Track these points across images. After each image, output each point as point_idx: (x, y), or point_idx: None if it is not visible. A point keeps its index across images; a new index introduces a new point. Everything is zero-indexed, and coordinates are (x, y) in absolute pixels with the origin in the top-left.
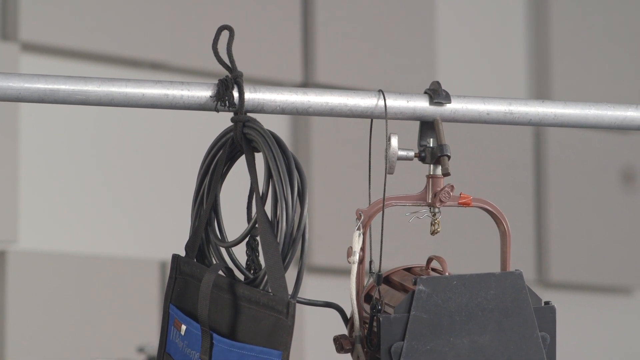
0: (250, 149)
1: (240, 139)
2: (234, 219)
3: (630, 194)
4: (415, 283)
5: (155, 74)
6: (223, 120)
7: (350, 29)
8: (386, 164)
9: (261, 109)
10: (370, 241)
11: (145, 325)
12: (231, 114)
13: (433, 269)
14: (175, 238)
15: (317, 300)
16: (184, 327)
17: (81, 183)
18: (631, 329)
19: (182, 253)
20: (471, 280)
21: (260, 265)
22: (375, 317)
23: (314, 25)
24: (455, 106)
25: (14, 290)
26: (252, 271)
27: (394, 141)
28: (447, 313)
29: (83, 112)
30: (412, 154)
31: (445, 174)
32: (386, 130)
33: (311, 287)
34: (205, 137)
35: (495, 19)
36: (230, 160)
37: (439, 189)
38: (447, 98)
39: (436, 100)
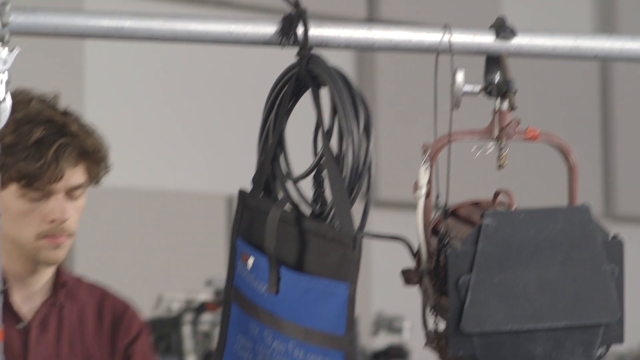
0: (315, 85)
1: (305, 75)
2: (299, 154)
3: None
4: (482, 217)
5: (219, 11)
6: (288, 57)
7: None
8: (452, 99)
9: (325, 44)
10: (437, 175)
11: (213, 258)
12: (296, 50)
13: (500, 203)
14: (241, 173)
15: (384, 234)
16: (251, 261)
17: (148, 120)
18: None
19: (249, 188)
20: (538, 214)
21: (326, 200)
22: (442, 251)
23: None
24: (520, 41)
25: (84, 225)
26: (318, 205)
27: (460, 76)
28: (514, 247)
29: (149, 50)
30: (477, 88)
31: (512, 108)
32: (451, 65)
33: (377, 222)
34: (271, 74)
35: None
36: (295, 96)
37: (505, 123)
38: (513, 33)
39: (502, 35)
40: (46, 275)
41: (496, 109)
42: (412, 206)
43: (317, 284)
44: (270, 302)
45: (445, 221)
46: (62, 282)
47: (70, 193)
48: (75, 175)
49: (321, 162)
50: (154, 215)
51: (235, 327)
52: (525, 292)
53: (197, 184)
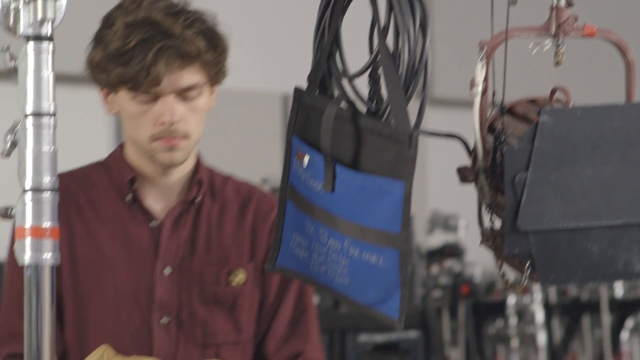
0: None
1: None
2: (355, 51)
3: None
4: (539, 114)
5: None
6: None
7: None
8: None
9: None
10: (493, 72)
11: (268, 157)
12: None
13: (557, 101)
14: (297, 71)
15: (440, 132)
16: (306, 159)
17: None
18: None
19: (305, 86)
20: (595, 112)
21: (382, 97)
22: (498, 148)
23: None
24: None
25: None
26: (374, 103)
27: None
28: (571, 144)
29: None
30: None
31: (569, 4)
32: None
33: (433, 119)
34: None
35: None
36: None
37: (562, 20)
38: None
39: None
40: (178, 174)
41: (553, 6)
42: (469, 104)
43: (373, 181)
44: (325, 200)
45: (501, 118)
46: (199, 180)
47: (183, 95)
48: (185, 77)
49: (377, 59)
50: (210, 114)
51: (291, 225)
52: (581, 190)
53: (252, 83)
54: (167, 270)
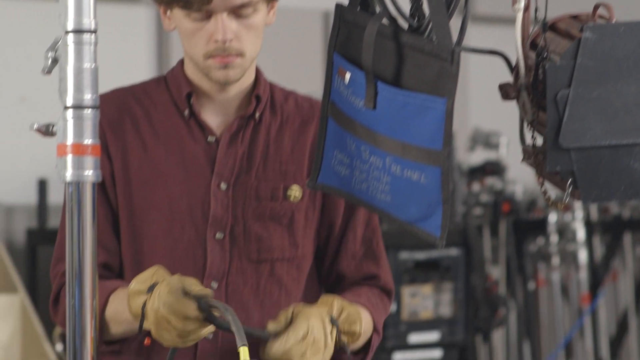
0: None
1: None
2: None
3: None
4: (581, 30)
5: None
6: None
7: None
8: None
9: None
10: None
11: (310, 74)
12: None
13: (600, 17)
14: None
15: (482, 48)
16: (348, 75)
17: None
18: None
19: (346, 2)
20: (638, 27)
21: (424, 14)
22: (540, 65)
23: None
24: None
25: None
26: (416, 19)
27: None
28: (614, 60)
29: None
30: None
31: None
32: None
33: (475, 36)
34: None
35: None
36: None
37: None
38: None
39: None
40: (236, 90)
41: None
42: (511, 20)
43: (415, 98)
44: (367, 117)
45: (544, 35)
46: (257, 95)
47: (237, 12)
48: None
49: None
50: None
51: (333, 143)
52: (624, 106)
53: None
54: (223, 186)
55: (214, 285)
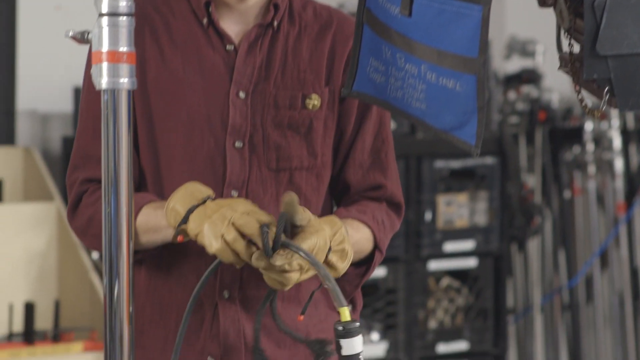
0: None
1: None
2: None
3: None
4: None
5: None
6: None
7: None
8: None
9: None
10: None
11: None
12: None
13: None
14: None
15: None
16: None
17: None
18: None
19: None
20: None
21: None
22: None
23: None
24: None
25: None
26: None
27: None
28: None
29: None
30: None
31: None
32: None
33: None
34: None
35: None
36: None
37: None
38: None
39: None
40: None
41: None
42: None
43: (451, 5)
44: (403, 24)
45: None
46: (275, 4)
47: None
48: None
49: None
50: None
51: (368, 50)
52: None
53: None
54: (242, 94)
55: (234, 194)
